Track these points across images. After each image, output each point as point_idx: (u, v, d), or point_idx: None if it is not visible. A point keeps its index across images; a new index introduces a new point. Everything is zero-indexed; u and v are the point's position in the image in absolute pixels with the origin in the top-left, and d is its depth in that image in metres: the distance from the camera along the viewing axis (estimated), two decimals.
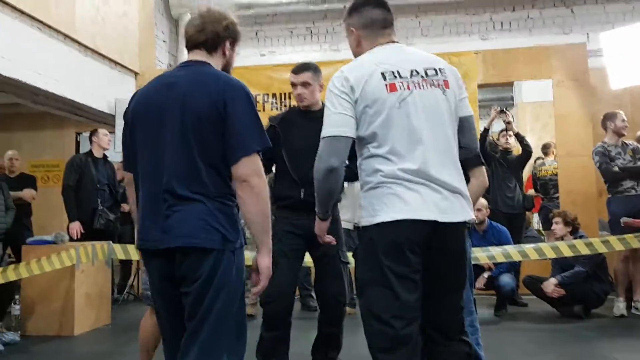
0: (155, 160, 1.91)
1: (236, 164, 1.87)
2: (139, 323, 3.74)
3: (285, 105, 6.80)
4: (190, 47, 2.08)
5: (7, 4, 4.90)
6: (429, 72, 2.02)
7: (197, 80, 1.94)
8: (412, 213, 1.89)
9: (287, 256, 3.01)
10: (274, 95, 6.87)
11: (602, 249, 4.71)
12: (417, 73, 2.00)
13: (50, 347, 4.30)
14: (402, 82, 1.97)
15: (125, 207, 5.66)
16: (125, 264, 6.49)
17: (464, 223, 1.98)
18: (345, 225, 3.96)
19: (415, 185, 1.91)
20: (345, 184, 3.56)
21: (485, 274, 5.01)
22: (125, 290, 6.41)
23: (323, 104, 2.90)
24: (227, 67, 2.13)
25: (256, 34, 9.04)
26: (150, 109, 1.95)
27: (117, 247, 5.10)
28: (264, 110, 6.84)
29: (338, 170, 1.97)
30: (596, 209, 6.07)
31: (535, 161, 7.13)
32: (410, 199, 1.90)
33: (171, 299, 1.95)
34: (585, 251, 4.70)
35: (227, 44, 2.09)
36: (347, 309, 5.13)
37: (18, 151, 6.41)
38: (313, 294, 5.71)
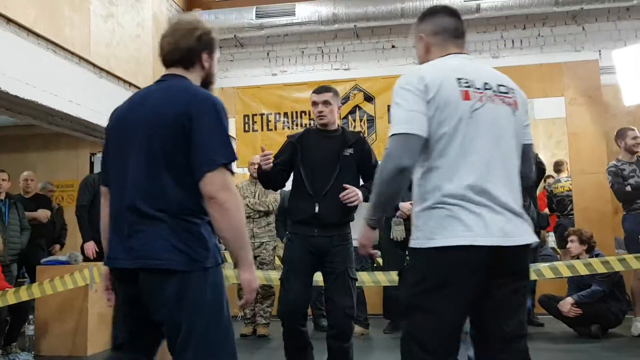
0: (122, 176, 1.88)
1: (202, 180, 1.78)
2: None
3: (296, 124, 6.83)
4: (167, 65, 2.04)
5: (23, 27, 5.00)
6: (501, 89, 1.93)
7: (166, 94, 1.89)
8: (474, 239, 1.76)
9: (299, 271, 3.18)
10: (285, 114, 6.91)
11: (618, 267, 4.64)
12: (490, 87, 1.90)
13: None
14: (475, 92, 1.86)
15: None
16: None
17: (528, 245, 1.87)
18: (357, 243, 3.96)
19: (478, 208, 1.79)
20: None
21: None
22: None
23: (339, 126, 3.34)
24: (208, 78, 2.07)
25: (267, 54, 9.13)
26: (122, 125, 1.94)
27: None
28: (275, 129, 6.88)
29: (408, 171, 1.83)
30: (612, 227, 6.00)
31: (545, 180, 7.07)
32: (473, 224, 1.78)
33: (135, 327, 1.87)
34: (601, 270, 4.63)
35: (204, 56, 2.02)
36: (360, 329, 5.11)
37: (33, 171, 6.48)
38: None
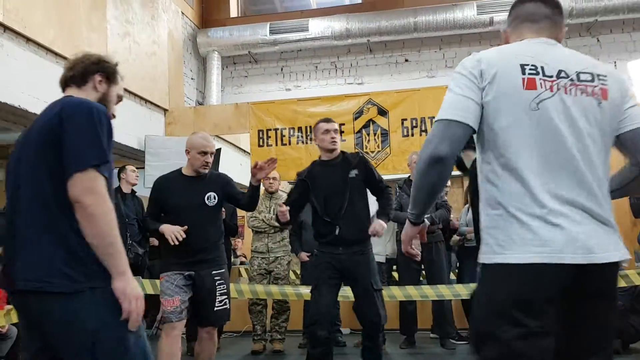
0: (12, 195, 1.84)
1: (69, 182, 1.66)
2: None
3: (310, 139, 6.86)
4: (63, 87, 2.01)
5: (42, 46, 5.10)
6: (582, 77, 1.64)
7: (48, 107, 1.85)
8: (551, 256, 1.49)
9: (326, 284, 3.51)
10: (299, 129, 6.94)
11: (638, 280, 4.57)
12: (567, 75, 1.62)
13: None
14: (544, 81, 1.60)
15: (153, 241, 5.73)
16: (154, 298, 6.52)
17: (617, 263, 1.58)
18: (377, 258, 4.21)
19: (555, 217, 1.52)
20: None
21: None
22: (155, 325, 6.42)
23: (340, 152, 3.67)
24: (103, 103, 1.96)
25: (281, 69, 9.21)
26: (18, 144, 1.91)
27: (147, 282, 5.14)
28: (289, 144, 6.91)
29: (446, 161, 1.59)
30: (630, 239, 5.92)
31: None
32: (549, 236, 1.50)
33: (33, 354, 1.79)
34: (621, 283, 4.57)
35: (97, 78, 1.99)
36: None
37: None
38: (342, 329, 5.65)
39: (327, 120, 3.71)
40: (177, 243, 3.33)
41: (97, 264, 1.70)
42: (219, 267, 3.53)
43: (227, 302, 3.53)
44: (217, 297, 3.47)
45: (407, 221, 1.82)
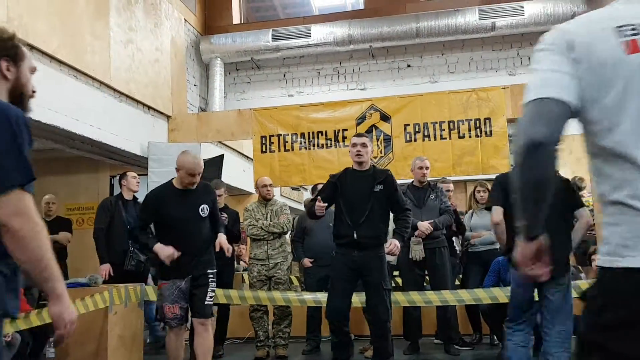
0: None
1: None
2: None
3: (313, 145, 6.85)
4: None
5: (46, 54, 5.12)
6: None
7: None
8: None
9: (343, 281, 3.97)
10: (302, 134, 6.94)
11: None
12: None
13: None
14: None
15: None
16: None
17: None
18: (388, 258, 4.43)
19: None
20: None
21: None
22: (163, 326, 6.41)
23: (371, 165, 4.14)
24: (18, 89, 1.83)
25: (284, 75, 9.23)
26: None
27: (149, 289, 5.14)
28: (292, 150, 6.91)
29: (546, 145, 1.34)
30: None
31: None
32: None
33: None
34: None
35: (3, 64, 1.77)
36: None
37: (54, 194, 6.57)
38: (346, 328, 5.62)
39: (358, 135, 4.28)
40: (169, 264, 3.73)
41: None
42: (212, 267, 4.00)
43: (213, 299, 4.04)
44: (208, 293, 3.95)
45: (519, 240, 1.43)
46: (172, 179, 4.03)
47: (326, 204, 3.99)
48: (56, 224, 6.18)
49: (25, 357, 4.27)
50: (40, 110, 5.03)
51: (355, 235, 3.95)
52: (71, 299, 4.59)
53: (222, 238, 3.98)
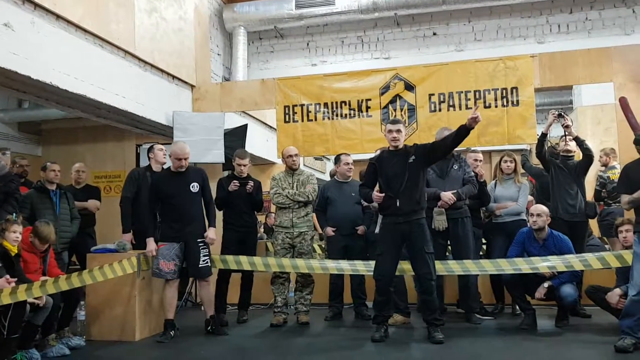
0: None
1: None
2: (198, 329, 4.51)
3: (336, 115, 6.82)
4: None
5: (71, 23, 5.16)
6: None
7: None
8: None
9: (389, 248, 4.52)
10: (325, 104, 6.91)
11: None
12: None
13: (113, 352, 4.46)
14: None
15: None
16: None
17: None
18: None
19: None
20: None
21: (546, 284, 4.84)
22: (184, 298, 6.58)
23: (405, 145, 4.64)
24: None
25: (307, 44, 9.16)
26: None
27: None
28: (315, 120, 6.89)
29: None
30: None
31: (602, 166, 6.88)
32: None
33: None
34: None
35: None
36: (401, 317, 5.12)
37: (82, 162, 6.69)
38: (367, 302, 5.70)
39: (393, 122, 4.71)
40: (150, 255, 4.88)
41: None
42: (201, 236, 4.91)
43: (209, 261, 4.97)
44: (201, 257, 4.89)
45: None
46: (170, 167, 5.08)
47: (383, 194, 4.51)
48: (85, 192, 6.31)
49: (57, 320, 4.42)
50: (67, 79, 5.10)
51: (397, 204, 4.44)
52: (100, 264, 4.78)
53: (210, 232, 4.95)
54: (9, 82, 4.88)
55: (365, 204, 5.53)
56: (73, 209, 5.70)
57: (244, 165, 5.59)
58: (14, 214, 4.60)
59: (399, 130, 4.60)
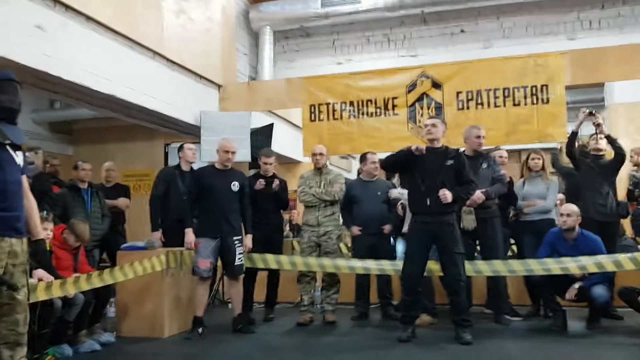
0: None
1: None
2: (225, 327, 4.56)
3: (362, 113, 6.79)
4: None
5: (101, 24, 5.25)
6: None
7: None
8: None
9: (418, 247, 4.48)
10: (351, 103, 6.89)
11: None
12: None
13: (142, 348, 4.52)
14: None
15: None
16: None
17: None
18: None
19: None
20: None
21: (577, 285, 4.76)
22: (211, 295, 6.63)
23: (444, 145, 4.61)
24: None
25: (333, 42, 9.15)
26: None
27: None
28: (341, 118, 6.88)
29: None
30: None
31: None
32: None
33: None
34: None
35: None
36: (428, 318, 5.08)
37: (112, 161, 6.80)
38: (394, 302, 5.67)
39: (430, 117, 4.88)
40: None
41: None
42: (238, 235, 5.00)
43: (242, 259, 5.03)
44: (237, 256, 4.95)
45: None
46: (214, 162, 5.17)
47: (424, 147, 4.51)
48: (115, 190, 6.41)
49: (89, 316, 4.50)
50: (97, 79, 5.19)
51: (428, 203, 4.40)
52: (130, 262, 4.84)
53: (247, 240, 5.12)
54: (40, 83, 4.99)
55: (393, 196, 5.51)
56: (104, 207, 5.81)
57: (270, 164, 5.62)
58: (45, 212, 4.70)
59: (434, 125, 4.58)
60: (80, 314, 4.28)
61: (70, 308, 4.14)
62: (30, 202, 3.04)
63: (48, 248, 4.23)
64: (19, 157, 2.91)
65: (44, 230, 4.20)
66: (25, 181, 3.00)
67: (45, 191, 5.19)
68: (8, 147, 2.84)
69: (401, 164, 4.70)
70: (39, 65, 4.55)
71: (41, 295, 3.77)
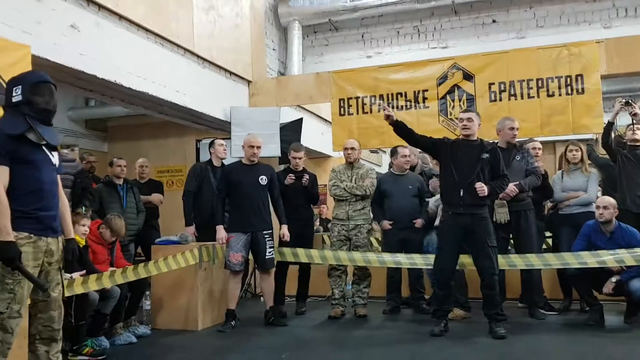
0: None
1: None
2: (258, 320, 4.61)
3: (392, 107, 6.74)
4: None
5: (133, 22, 5.33)
6: None
7: None
8: None
9: (450, 241, 4.46)
10: (381, 96, 6.85)
11: None
12: None
13: (177, 340, 4.61)
14: None
15: None
16: None
17: None
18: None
19: None
20: None
21: (614, 279, 4.65)
22: (243, 289, 6.71)
23: (479, 138, 4.56)
24: None
25: (362, 36, 9.09)
26: None
27: None
28: (371, 112, 6.85)
29: None
30: None
31: None
32: None
33: None
34: None
35: None
36: (461, 312, 5.04)
37: (145, 158, 6.92)
38: (426, 296, 5.64)
39: (465, 110, 4.82)
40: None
41: None
42: (268, 229, 5.07)
43: (273, 253, 5.09)
44: (267, 250, 5.02)
45: None
46: (241, 158, 5.29)
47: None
48: (149, 186, 6.53)
49: (125, 309, 4.61)
50: (130, 77, 5.28)
51: (462, 196, 4.37)
52: (164, 256, 4.94)
53: (284, 229, 5.16)
54: (76, 82, 5.10)
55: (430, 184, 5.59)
56: (139, 203, 5.92)
57: (299, 159, 5.64)
58: (83, 208, 4.82)
59: (469, 119, 4.52)
60: (117, 307, 4.38)
61: (106, 301, 4.24)
62: (63, 201, 3.11)
63: (84, 243, 4.34)
64: (54, 157, 2.98)
65: (82, 227, 4.32)
66: (59, 180, 3.07)
67: (86, 187, 5.32)
68: (44, 148, 2.91)
69: (427, 149, 4.81)
70: (74, 64, 4.65)
71: (78, 289, 3.88)
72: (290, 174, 5.52)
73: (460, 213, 4.40)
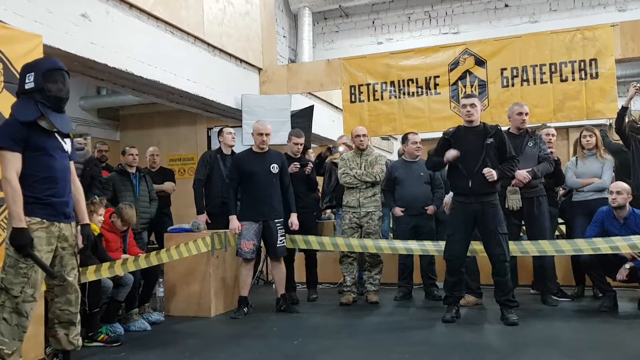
0: None
1: None
2: (270, 306, 4.63)
3: (403, 93, 6.71)
4: None
5: (143, 11, 5.34)
6: None
7: None
8: None
9: (460, 229, 4.45)
10: (392, 83, 6.81)
11: None
12: None
13: (190, 327, 4.65)
14: None
15: None
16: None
17: None
18: None
19: None
20: None
21: (628, 265, 4.61)
22: (255, 276, 6.75)
23: (481, 123, 4.48)
24: None
25: (373, 22, 9.04)
26: None
27: None
28: (382, 99, 6.82)
29: None
30: None
31: None
32: None
33: None
34: None
35: None
36: (473, 298, 5.03)
37: (157, 146, 6.96)
38: (438, 283, 5.64)
39: (467, 96, 4.59)
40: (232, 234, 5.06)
41: None
42: (280, 217, 5.05)
43: (284, 241, 5.10)
44: (278, 238, 5.03)
45: None
46: (252, 146, 5.19)
47: (459, 152, 4.38)
48: (160, 174, 6.57)
49: (139, 296, 4.66)
50: (141, 66, 5.29)
51: (470, 184, 4.34)
52: (176, 244, 4.96)
53: (293, 218, 5.11)
54: (88, 71, 5.13)
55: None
56: (152, 191, 5.96)
57: (300, 144, 5.66)
58: (97, 196, 4.86)
59: (473, 105, 4.43)
60: (131, 294, 4.43)
61: (120, 288, 4.29)
62: (77, 187, 3.14)
63: (98, 231, 4.38)
64: (67, 144, 3.00)
65: (99, 216, 4.36)
66: (72, 167, 3.10)
67: (95, 176, 5.36)
68: (56, 135, 2.93)
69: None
70: (86, 54, 4.67)
71: (91, 277, 3.92)
72: (295, 163, 5.53)
73: (470, 202, 4.38)
